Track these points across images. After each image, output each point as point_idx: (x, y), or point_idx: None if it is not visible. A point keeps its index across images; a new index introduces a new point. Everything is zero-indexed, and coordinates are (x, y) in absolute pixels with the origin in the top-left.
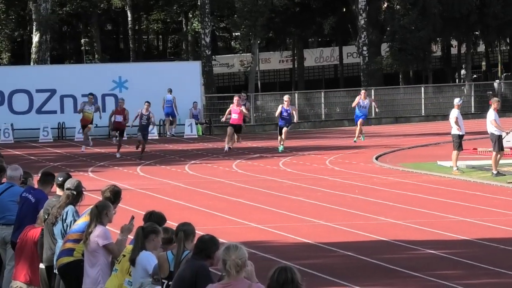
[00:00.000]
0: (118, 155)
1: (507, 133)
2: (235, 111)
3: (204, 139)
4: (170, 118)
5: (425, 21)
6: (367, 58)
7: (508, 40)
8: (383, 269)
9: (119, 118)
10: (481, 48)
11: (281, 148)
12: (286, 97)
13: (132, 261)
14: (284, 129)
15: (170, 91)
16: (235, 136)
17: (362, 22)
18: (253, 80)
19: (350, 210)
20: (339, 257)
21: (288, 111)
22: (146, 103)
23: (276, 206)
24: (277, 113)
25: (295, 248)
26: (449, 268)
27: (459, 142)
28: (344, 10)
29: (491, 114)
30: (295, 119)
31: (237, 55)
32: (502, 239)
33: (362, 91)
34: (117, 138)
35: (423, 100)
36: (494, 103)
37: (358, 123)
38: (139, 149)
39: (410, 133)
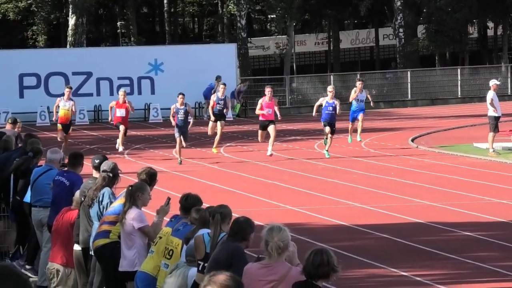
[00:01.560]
0: (120, 148)
1: None
2: (268, 105)
3: (239, 122)
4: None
5: (462, 2)
6: (403, 40)
7: None
8: (419, 251)
9: (122, 112)
10: None
11: (326, 154)
12: (330, 88)
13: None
14: (327, 129)
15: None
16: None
17: (399, 3)
18: (288, 63)
19: (386, 192)
20: (374, 239)
21: (333, 105)
22: (181, 96)
23: (312, 188)
24: (315, 109)
25: (331, 230)
26: (485, 250)
27: (495, 124)
28: None
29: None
30: (338, 110)
31: (273, 38)
32: None
33: (358, 83)
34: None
35: (459, 82)
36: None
37: (360, 118)
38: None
39: (446, 115)
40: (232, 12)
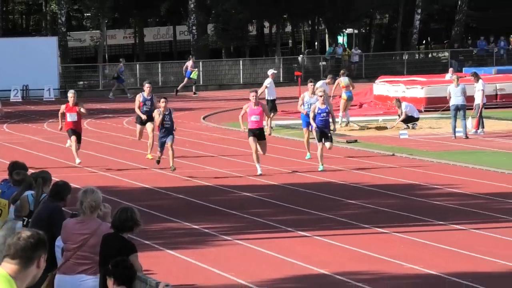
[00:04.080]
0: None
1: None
2: (254, 111)
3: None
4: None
5: (244, 5)
6: (196, 36)
7: (309, 23)
8: (208, 208)
9: (73, 116)
10: (288, 28)
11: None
12: (146, 84)
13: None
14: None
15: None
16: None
17: (192, 6)
18: (101, 53)
19: (183, 161)
20: (172, 199)
21: (326, 111)
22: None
23: (120, 157)
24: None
25: (137, 192)
26: (260, 207)
27: (271, 106)
28: None
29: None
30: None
31: (88, 32)
32: (302, 184)
33: (309, 84)
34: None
35: (241, 71)
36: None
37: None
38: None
39: (231, 98)
40: (54, 11)
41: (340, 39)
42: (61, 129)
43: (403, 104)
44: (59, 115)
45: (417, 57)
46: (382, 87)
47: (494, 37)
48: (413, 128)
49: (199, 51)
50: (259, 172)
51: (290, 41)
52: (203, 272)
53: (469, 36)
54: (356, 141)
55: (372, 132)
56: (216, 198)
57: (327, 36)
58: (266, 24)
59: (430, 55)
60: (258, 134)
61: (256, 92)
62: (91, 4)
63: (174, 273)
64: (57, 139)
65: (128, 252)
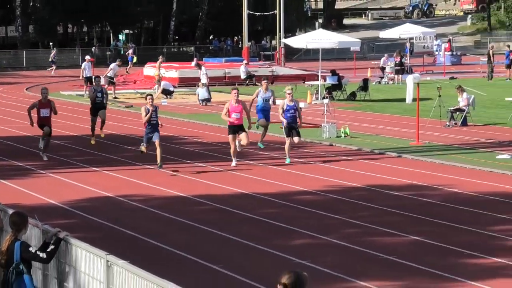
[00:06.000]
0: (45, 158)
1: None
2: (235, 108)
3: None
4: None
5: (54, 13)
6: (21, 33)
7: (99, 25)
8: (29, 152)
9: (45, 112)
10: (85, 29)
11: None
12: (288, 90)
13: None
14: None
15: None
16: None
17: (18, 13)
18: None
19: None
20: (4, 145)
21: (294, 107)
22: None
23: None
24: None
25: None
26: (68, 151)
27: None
28: None
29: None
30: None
31: None
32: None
33: (263, 82)
34: (43, 142)
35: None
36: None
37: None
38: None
39: (45, 76)
40: None
41: (121, 37)
42: (32, 124)
43: (163, 82)
44: (28, 110)
45: (172, 50)
46: (150, 69)
47: (224, 38)
48: (170, 98)
49: (23, 44)
50: (233, 164)
51: (86, 37)
52: (25, 195)
53: (209, 37)
54: (132, 106)
55: (143, 100)
56: (35, 144)
57: (111, 34)
58: (70, 25)
59: (181, 49)
60: (238, 129)
61: (238, 90)
62: None
63: (3, 196)
64: None
65: None
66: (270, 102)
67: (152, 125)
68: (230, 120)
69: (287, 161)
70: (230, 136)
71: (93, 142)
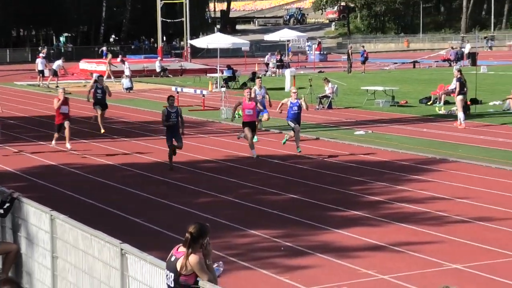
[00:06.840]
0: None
1: None
2: (248, 106)
3: None
4: None
5: (8, 19)
6: None
7: (45, 29)
8: None
9: (65, 108)
10: (33, 32)
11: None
12: (293, 89)
13: None
14: (297, 127)
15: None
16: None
17: None
18: None
19: None
20: None
21: (298, 104)
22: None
23: None
24: (279, 106)
25: None
26: None
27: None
28: None
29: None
30: (305, 107)
31: None
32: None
33: (257, 80)
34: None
35: (8, 56)
36: None
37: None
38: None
39: (4, 69)
40: None
41: (61, 38)
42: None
43: (95, 75)
44: (56, 109)
45: (97, 50)
46: (85, 64)
47: (142, 39)
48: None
49: None
50: (254, 155)
51: (34, 39)
52: None
53: (131, 38)
54: (70, 93)
55: (83, 88)
56: None
57: (54, 36)
58: (21, 29)
59: (109, 48)
60: (251, 125)
61: (250, 89)
62: None
63: None
64: None
65: None
66: (266, 97)
67: (171, 126)
68: (246, 114)
69: (298, 150)
70: (246, 129)
71: (102, 131)
